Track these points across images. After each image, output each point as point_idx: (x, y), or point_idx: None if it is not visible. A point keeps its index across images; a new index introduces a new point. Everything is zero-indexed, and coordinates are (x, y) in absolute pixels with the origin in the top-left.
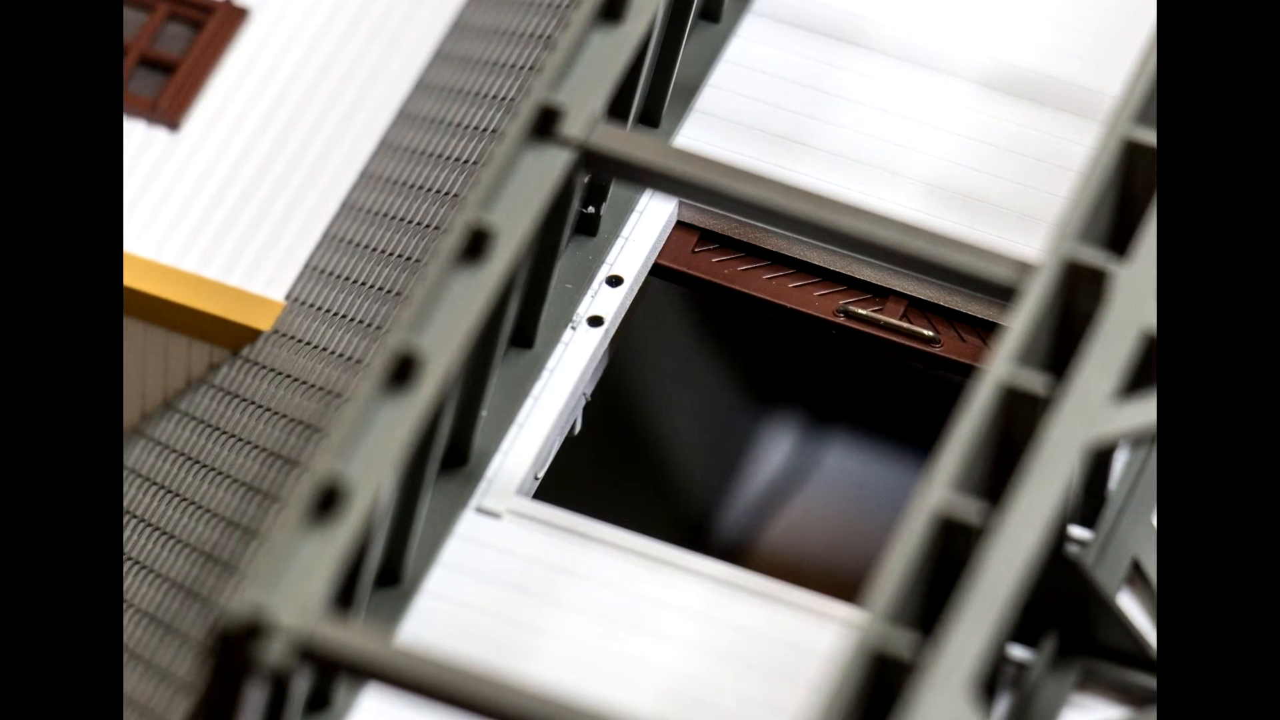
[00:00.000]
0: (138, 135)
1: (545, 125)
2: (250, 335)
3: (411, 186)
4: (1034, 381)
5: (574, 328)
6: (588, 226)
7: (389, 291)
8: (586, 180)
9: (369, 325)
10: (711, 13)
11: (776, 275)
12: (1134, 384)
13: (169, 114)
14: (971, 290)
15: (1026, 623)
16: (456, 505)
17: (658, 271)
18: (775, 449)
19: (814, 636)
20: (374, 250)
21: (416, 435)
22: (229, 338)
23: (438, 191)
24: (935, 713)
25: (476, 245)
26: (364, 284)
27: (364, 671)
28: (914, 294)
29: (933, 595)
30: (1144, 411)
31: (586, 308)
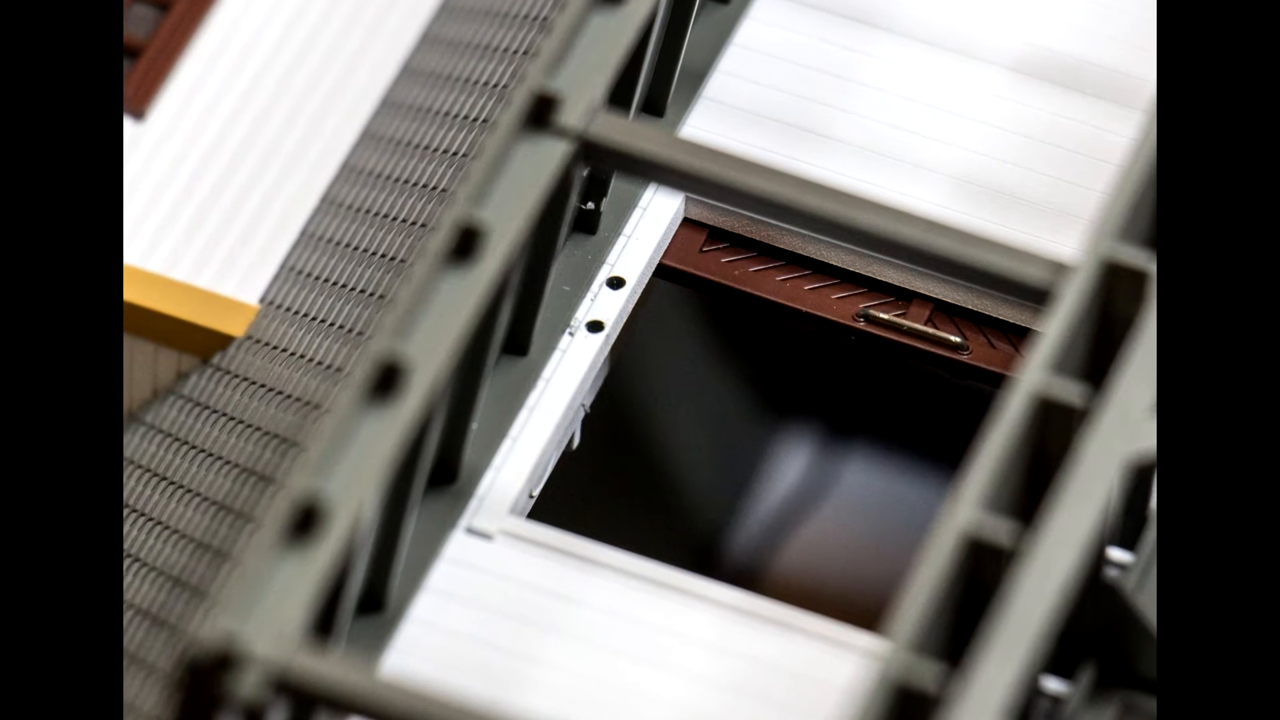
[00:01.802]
0: None
1: (541, 114)
2: (221, 342)
3: (396, 180)
4: (1070, 392)
5: (572, 333)
6: (587, 224)
7: (372, 294)
8: (585, 174)
9: (350, 331)
10: None
11: (791, 276)
12: None
13: (134, 102)
14: (1002, 293)
15: (1062, 652)
16: (445, 526)
17: (662, 272)
18: (790, 464)
19: (832, 667)
20: (356, 250)
21: (401, 450)
22: (198, 344)
23: (424, 186)
24: None
25: (466, 244)
26: (345, 286)
27: (345, 705)
28: (940, 297)
29: (960, 623)
30: None
31: (585, 311)
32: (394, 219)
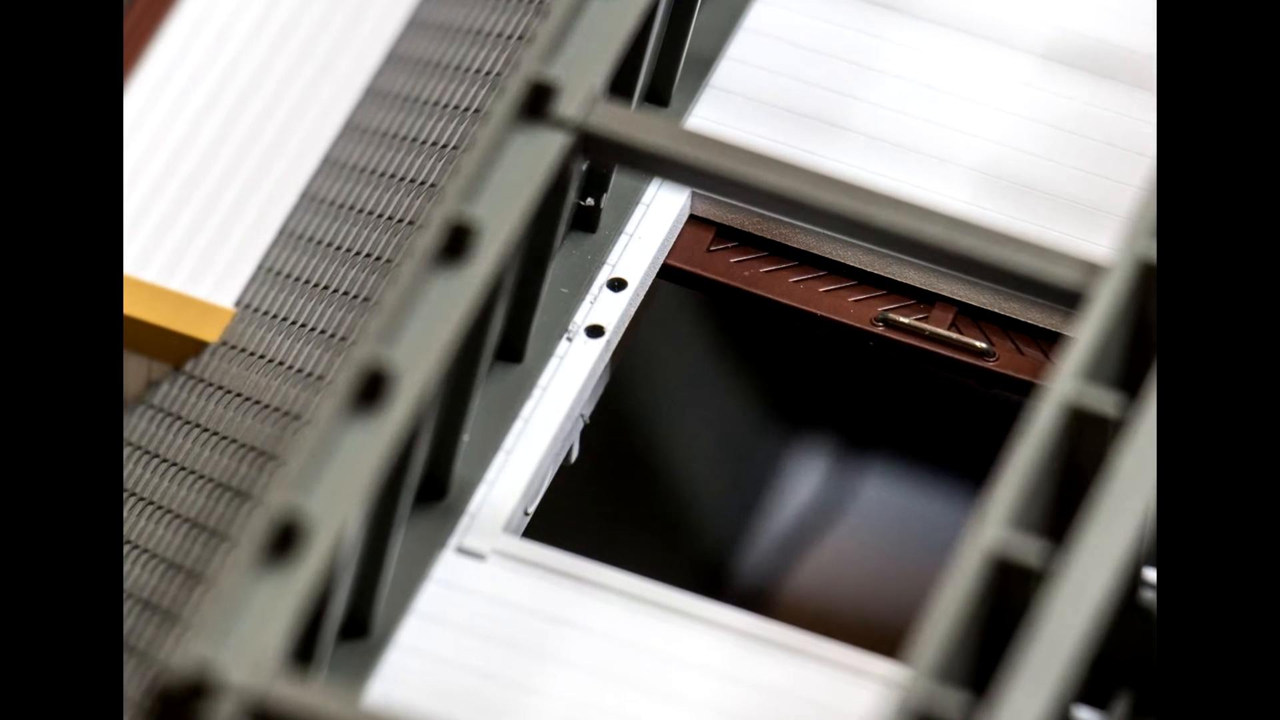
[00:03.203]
0: None
1: (537, 104)
2: (195, 348)
3: (382, 175)
4: (1104, 401)
5: (570, 338)
6: (586, 221)
7: (356, 297)
8: (585, 167)
9: (333, 336)
10: None
11: (805, 278)
12: None
13: None
14: (1031, 295)
15: (1095, 681)
16: (434, 545)
17: (667, 273)
18: (804, 479)
19: (848, 696)
20: (339, 249)
21: (387, 463)
22: (170, 351)
23: (412, 181)
24: None
25: (457, 243)
26: (327, 288)
27: None
28: (965, 299)
29: (986, 649)
30: None
31: (585, 315)
32: (380, 216)
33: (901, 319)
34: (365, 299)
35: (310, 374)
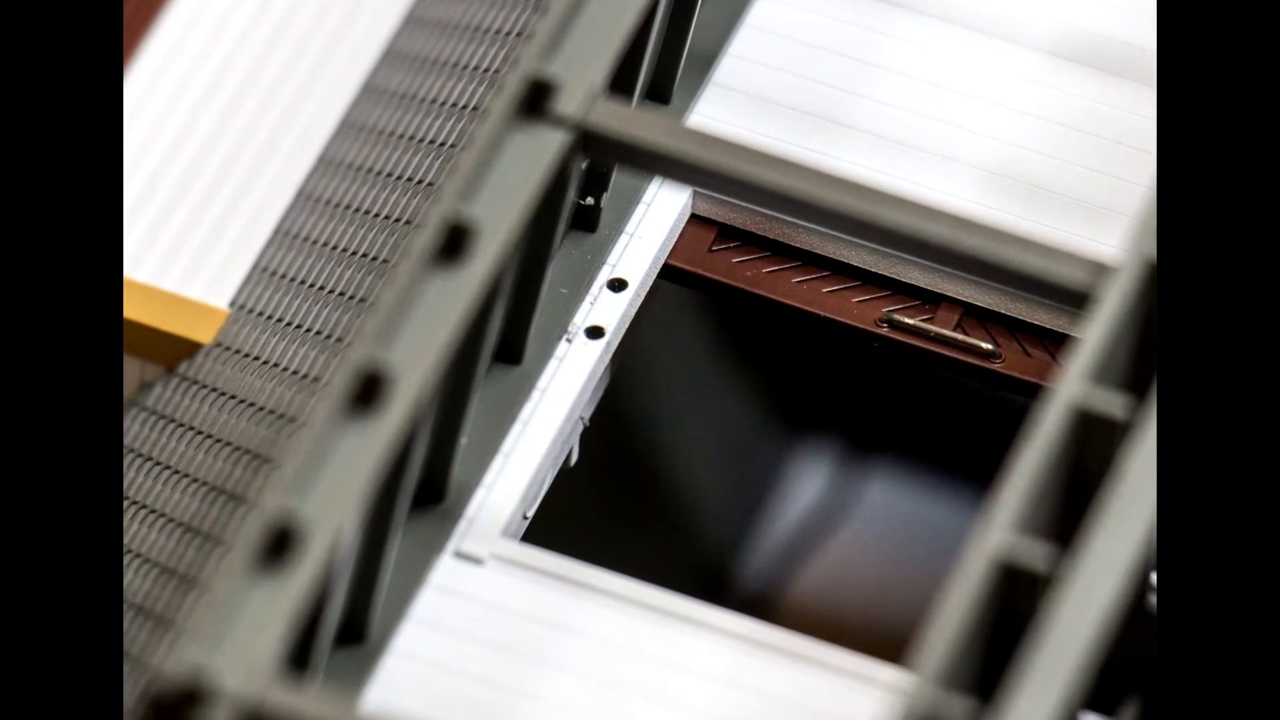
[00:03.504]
0: None
1: (536, 101)
2: (188, 349)
3: (378, 174)
4: (1112, 403)
5: (570, 339)
6: (586, 221)
7: (352, 297)
8: (584, 166)
9: (328, 337)
10: None
11: (808, 278)
12: None
13: None
14: (1038, 295)
15: (1103, 687)
16: (431, 549)
17: (668, 273)
18: (807, 483)
19: (852, 703)
20: (334, 249)
21: (384, 467)
22: (163, 352)
23: (409, 180)
24: None
25: (455, 243)
26: (323, 289)
27: None
28: (970, 300)
29: (992, 655)
30: None
31: (584, 316)
32: (376, 215)
33: (906, 320)
34: (362, 300)
35: (306, 376)
